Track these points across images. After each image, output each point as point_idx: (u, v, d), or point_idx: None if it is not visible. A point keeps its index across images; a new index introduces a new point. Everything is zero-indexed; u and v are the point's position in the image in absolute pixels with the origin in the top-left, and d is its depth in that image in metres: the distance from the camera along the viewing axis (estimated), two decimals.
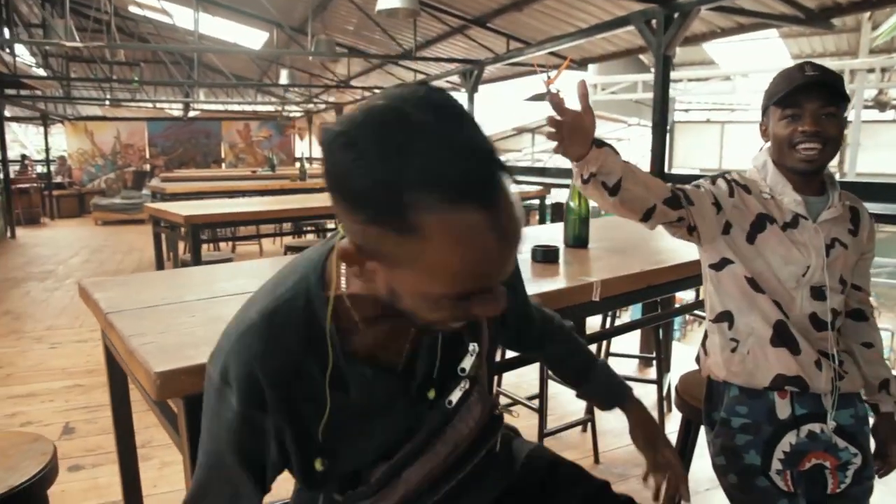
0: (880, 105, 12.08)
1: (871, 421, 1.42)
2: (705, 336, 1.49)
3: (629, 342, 3.98)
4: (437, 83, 8.91)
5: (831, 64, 11.59)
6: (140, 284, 1.57)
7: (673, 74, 13.69)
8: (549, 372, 2.20)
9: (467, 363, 0.87)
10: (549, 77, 2.31)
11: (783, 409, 1.34)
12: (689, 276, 1.91)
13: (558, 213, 6.73)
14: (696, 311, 3.69)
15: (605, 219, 3.03)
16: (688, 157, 14.78)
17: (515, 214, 0.63)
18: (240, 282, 1.57)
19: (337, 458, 0.81)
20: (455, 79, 8.15)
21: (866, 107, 11.51)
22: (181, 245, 5.11)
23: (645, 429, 1.14)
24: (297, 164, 6.22)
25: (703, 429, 1.58)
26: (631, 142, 15.57)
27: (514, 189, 0.64)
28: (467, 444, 0.89)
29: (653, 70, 13.07)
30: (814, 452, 1.32)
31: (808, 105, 1.30)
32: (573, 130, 1.17)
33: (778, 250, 1.34)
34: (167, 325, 1.17)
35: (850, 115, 11.82)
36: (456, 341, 0.86)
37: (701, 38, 5.17)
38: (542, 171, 6.33)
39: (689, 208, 1.33)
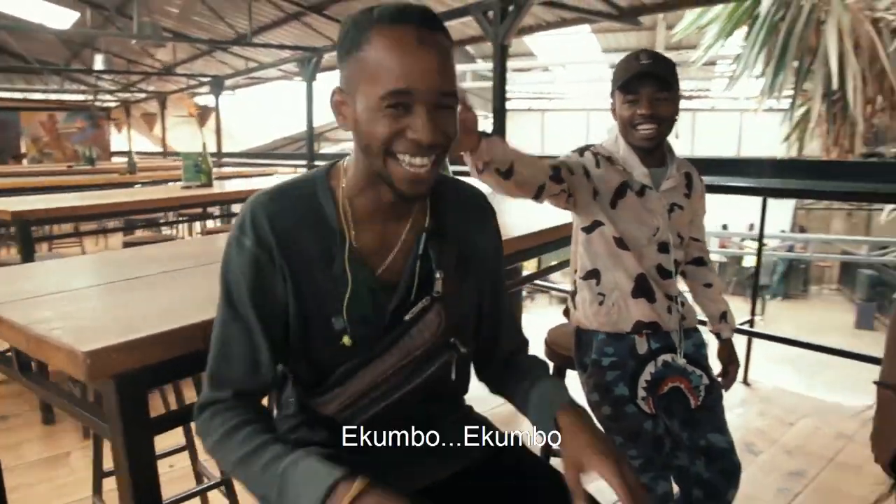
0: None
1: (710, 347, 1.73)
2: (574, 292, 1.71)
3: None
4: (270, 72, 8.65)
5: None
6: (2, 278, 1.46)
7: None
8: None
9: (438, 286, 0.99)
10: None
11: (641, 346, 1.60)
12: (527, 248, 2.11)
13: None
14: (537, 281, 4.04)
15: None
16: (512, 143, 15.66)
17: (441, 40, 0.87)
18: (107, 271, 1.51)
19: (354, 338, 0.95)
20: (290, 67, 7.98)
21: None
22: None
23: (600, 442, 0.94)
24: (126, 158, 5.76)
25: (571, 374, 1.82)
26: None
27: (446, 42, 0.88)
28: (419, 355, 0.98)
29: (479, 61, 13.51)
30: (669, 378, 1.60)
31: (644, 91, 1.53)
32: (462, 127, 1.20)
33: (634, 214, 1.58)
34: (66, 313, 1.13)
35: None
36: (430, 272, 1.00)
37: (529, 31, 5.54)
38: None
39: (571, 178, 1.52)
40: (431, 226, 1.01)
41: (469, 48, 13.44)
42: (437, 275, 0.99)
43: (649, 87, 1.52)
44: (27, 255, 2.98)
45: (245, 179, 5.45)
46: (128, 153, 5.70)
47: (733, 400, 3.04)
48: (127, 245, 4.26)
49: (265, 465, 0.85)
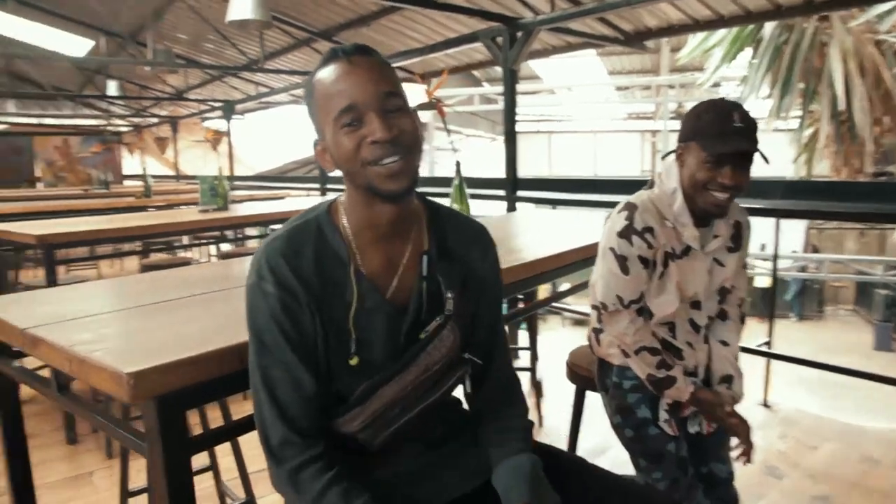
0: (680, 116, 13.78)
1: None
2: (599, 329, 1.66)
3: None
4: (281, 96, 8.77)
5: (639, 80, 13.05)
6: (36, 301, 1.49)
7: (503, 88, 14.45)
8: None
9: (450, 305, 1.05)
10: (428, 88, 2.48)
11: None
12: (544, 271, 2.06)
13: None
14: (556, 304, 4.05)
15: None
16: (520, 165, 15.73)
17: (372, 58, 0.98)
18: (135, 295, 1.54)
19: (364, 362, 1.00)
20: (301, 91, 8.06)
21: (670, 118, 13.08)
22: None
23: None
24: (140, 181, 5.83)
25: (591, 396, 1.83)
26: (465, 151, 16.28)
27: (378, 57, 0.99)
28: (437, 370, 1.04)
29: (485, 84, 13.56)
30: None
31: (731, 158, 1.38)
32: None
33: (675, 281, 1.52)
34: (104, 335, 1.16)
35: (659, 124, 13.36)
36: (437, 292, 1.06)
37: (535, 55, 5.62)
38: None
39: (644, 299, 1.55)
40: (433, 247, 1.08)
41: (475, 72, 13.60)
42: (448, 294, 1.06)
43: (737, 154, 1.39)
44: (51, 278, 3.03)
45: (258, 203, 5.51)
46: (143, 177, 5.77)
47: (753, 422, 3.02)
48: (146, 268, 4.32)
49: None
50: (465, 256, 1.12)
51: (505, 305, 3.31)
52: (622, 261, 1.49)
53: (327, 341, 0.99)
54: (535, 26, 4.02)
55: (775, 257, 3.20)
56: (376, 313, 1.02)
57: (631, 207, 1.51)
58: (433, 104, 2.31)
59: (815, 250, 14.12)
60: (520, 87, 13.85)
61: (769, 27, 6.51)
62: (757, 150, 1.40)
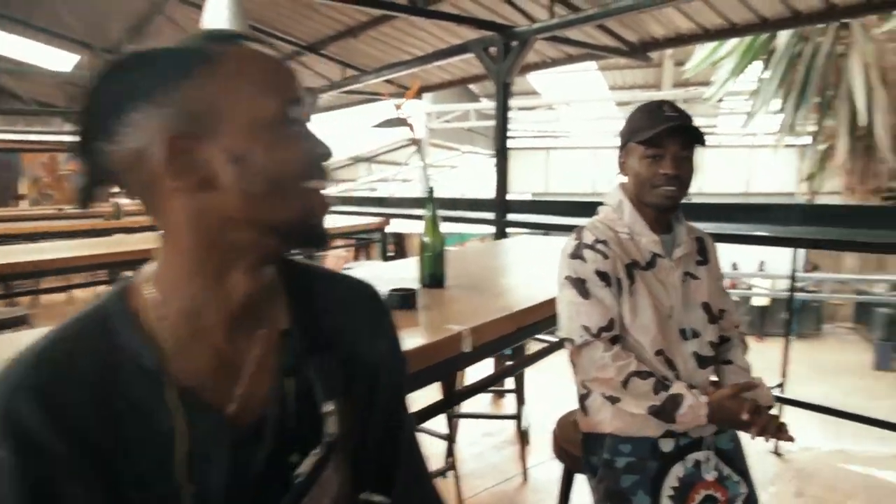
0: None
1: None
2: (584, 395, 1.44)
3: (479, 373, 3.92)
4: None
5: (641, 95, 12.83)
6: None
7: None
8: None
9: (332, 425, 0.70)
10: (397, 103, 2.18)
11: (666, 443, 1.32)
12: (551, 314, 1.80)
13: (400, 244, 6.55)
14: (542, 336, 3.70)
15: (452, 251, 2.91)
16: (517, 181, 15.49)
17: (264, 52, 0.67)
18: None
19: None
20: None
21: None
22: None
23: None
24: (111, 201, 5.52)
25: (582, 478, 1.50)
26: (462, 168, 16.01)
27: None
28: None
29: (482, 100, 13.35)
30: (701, 483, 1.30)
31: (669, 147, 1.35)
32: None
33: (648, 294, 1.36)
34: None
35: None
36: (309, 400, 0.71)
37: (534, 68, 5.34)
38: (381, 201, 6.14)
39: (617, 326, 1.37)
40: (298, 330, 0.73)
41: (472, 87, 13.36)
42: (327, 407, 0.71)
43: (676, 143, 1.35)
44: None
45: None
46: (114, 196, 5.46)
47: (764, 476, 2.69)
48: None
49: None
50: (346, 336, 0.77)
51: (491, 361, 2.88)
52: (580, 284, 1.39)
53: None
54: (531, 35, 3.73)
55: (792, 290, 2.87)
56: (213, 446, 0.65)
57: (578, 229, 1.47)
58: (402, 121, 2.00)
59: (815, 267, 13.73)
60: (516, 102, 13.62)
61: (783, 37, 6.19)
62: (694, 140, 1.37)
